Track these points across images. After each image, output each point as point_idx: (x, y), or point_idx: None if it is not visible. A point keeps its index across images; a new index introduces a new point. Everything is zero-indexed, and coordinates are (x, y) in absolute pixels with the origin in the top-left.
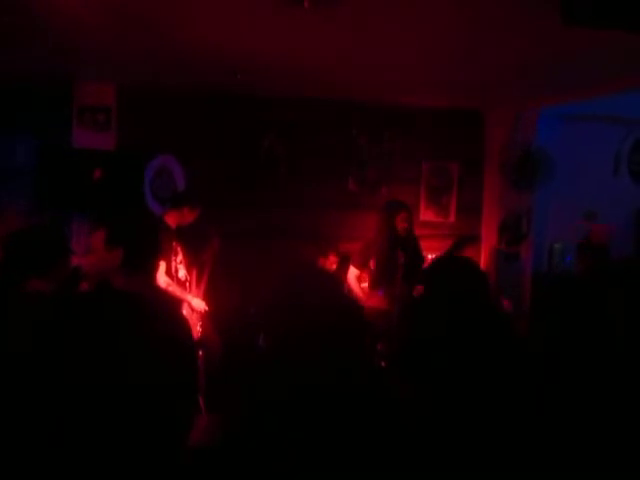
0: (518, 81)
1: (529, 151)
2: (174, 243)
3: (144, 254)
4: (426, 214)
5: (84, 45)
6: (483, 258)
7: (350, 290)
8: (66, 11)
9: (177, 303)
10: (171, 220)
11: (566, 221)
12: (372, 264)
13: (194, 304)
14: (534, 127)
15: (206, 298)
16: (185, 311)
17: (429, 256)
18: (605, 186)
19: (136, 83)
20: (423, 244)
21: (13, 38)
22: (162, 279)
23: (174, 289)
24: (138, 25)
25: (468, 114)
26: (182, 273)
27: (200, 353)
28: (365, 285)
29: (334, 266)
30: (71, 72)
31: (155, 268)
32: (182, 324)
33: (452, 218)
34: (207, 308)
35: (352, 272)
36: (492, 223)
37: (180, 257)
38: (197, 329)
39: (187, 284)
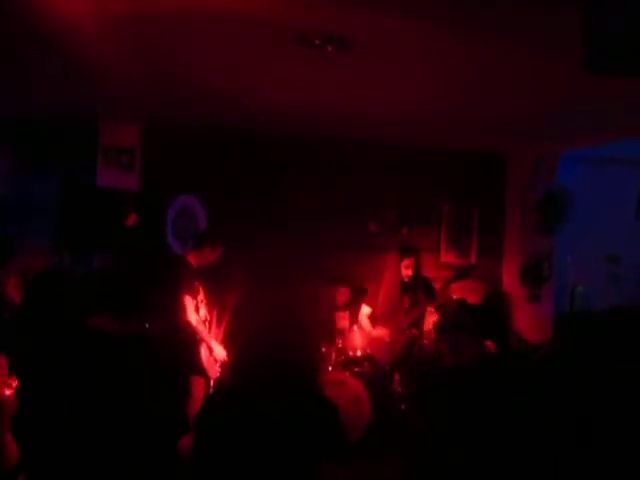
0: (538, 126)
1: (550, 194)
2: (196, 282)
3: None
4: (447, 256)
5: (105, 84)
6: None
7: (359, 325)
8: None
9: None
10: (193, 260)
11: (588, 264)
12: (380, 300)
13: (215, 350)
14: (554, 170)
15: (225, 340)
16: (203, 351)
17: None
18: (627, 229)
19: (159, 124)
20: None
21: (36, 74)
22: (193, 317)
23: (202, 329)
24: (157, 66)
25: (490, 158)
26: (203, 312)
27: None
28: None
29: (345, 298)
30: (95, 112)
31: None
32: None
33: (473, 260)
34: (227, 357)
35: (365, 310)
36: (513, 265)
37: (201, 296)
38: (216, 370)
39: (207, 323)
